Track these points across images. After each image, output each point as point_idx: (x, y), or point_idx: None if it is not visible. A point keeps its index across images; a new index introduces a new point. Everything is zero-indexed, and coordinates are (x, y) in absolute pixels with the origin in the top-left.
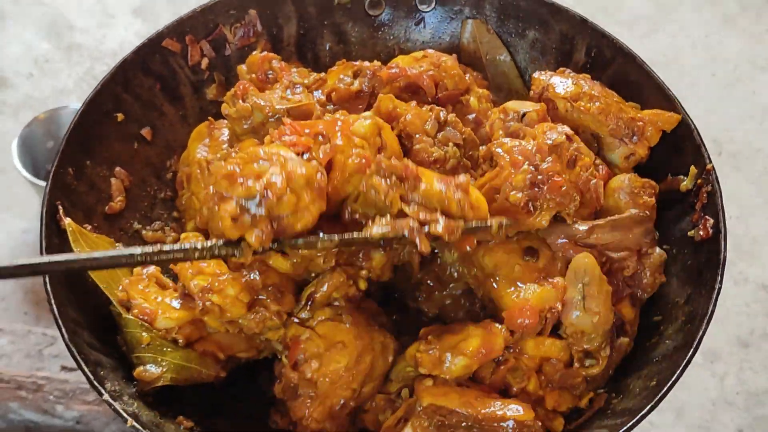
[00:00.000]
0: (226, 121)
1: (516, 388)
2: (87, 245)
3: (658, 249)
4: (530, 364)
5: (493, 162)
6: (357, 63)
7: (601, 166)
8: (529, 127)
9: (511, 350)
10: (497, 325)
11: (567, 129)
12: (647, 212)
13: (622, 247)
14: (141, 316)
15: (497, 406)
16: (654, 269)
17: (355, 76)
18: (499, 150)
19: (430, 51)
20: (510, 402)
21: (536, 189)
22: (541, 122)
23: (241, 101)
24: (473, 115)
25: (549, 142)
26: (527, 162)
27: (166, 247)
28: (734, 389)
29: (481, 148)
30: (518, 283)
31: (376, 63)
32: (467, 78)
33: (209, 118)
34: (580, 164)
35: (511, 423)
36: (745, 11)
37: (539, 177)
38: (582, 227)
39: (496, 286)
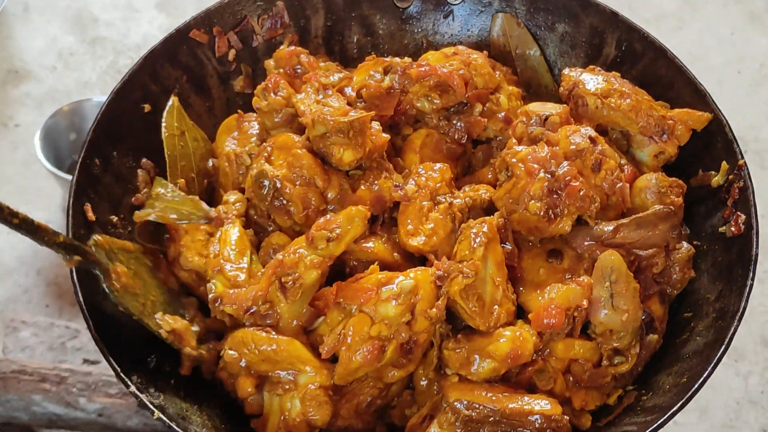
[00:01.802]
0: (255, 114)
1: (542, 390)
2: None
3: (685, 244)
4: (558, 366)
5: (509, 172)
6: (388, 59)
7: (626, 166)
8: (552, 130)
9: (539, 352)
10: (528, 328)
11: (591, 131)
12: (671, 207)
13: (649, 244)
14: None
15: (524, 401)
16: (683, 264)
17: (386, 72)
18: (513, 160)
19: (460, 47)
20: (537, 396)
21: (555, 196)
22: (564, 125)
23: (272, 95)
24: (503, 114)
25: (573, 147)
26: (542, 170)
27: None
28: (758, 388)
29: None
30: (543, 285)
31: (407, 60)
32: (497, 75)
33: (238, 110)
34: (606, 167)
35: (538, 417)
36: None
37: (556, 183)
38: (607, 227)
39: (522, 290)
